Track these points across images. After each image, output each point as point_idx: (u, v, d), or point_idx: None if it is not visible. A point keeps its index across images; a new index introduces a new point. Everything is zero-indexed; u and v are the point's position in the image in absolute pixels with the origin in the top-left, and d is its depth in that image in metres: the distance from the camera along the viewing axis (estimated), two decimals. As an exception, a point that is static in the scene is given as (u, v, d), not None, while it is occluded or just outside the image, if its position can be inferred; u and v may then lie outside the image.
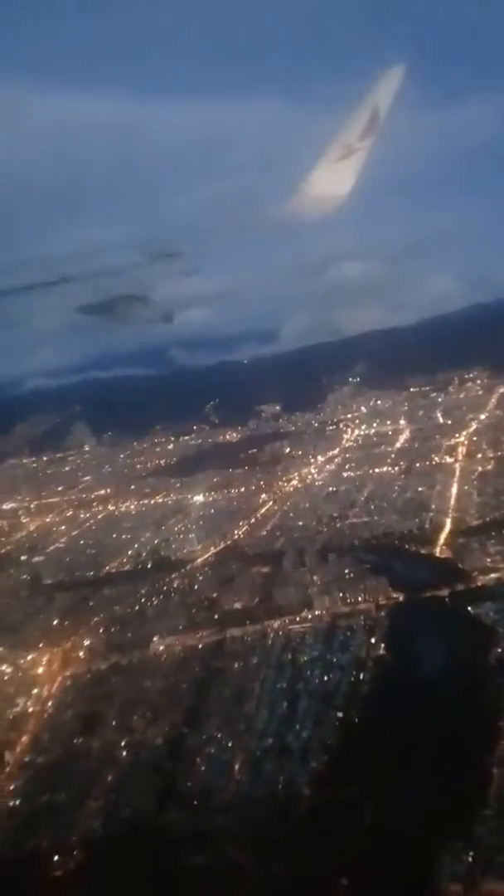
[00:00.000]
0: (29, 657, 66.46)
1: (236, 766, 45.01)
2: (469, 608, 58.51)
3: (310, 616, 64.49)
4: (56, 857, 39.66)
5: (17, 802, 45.49)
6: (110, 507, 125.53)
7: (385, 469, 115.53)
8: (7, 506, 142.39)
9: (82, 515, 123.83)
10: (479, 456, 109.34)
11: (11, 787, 47.10)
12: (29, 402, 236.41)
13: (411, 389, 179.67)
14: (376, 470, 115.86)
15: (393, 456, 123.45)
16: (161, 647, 63.35)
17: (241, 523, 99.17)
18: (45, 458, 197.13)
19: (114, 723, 52.57)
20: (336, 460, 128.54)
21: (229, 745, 47.35)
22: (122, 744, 49.64)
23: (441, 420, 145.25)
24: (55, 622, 74.85)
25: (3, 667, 65.65)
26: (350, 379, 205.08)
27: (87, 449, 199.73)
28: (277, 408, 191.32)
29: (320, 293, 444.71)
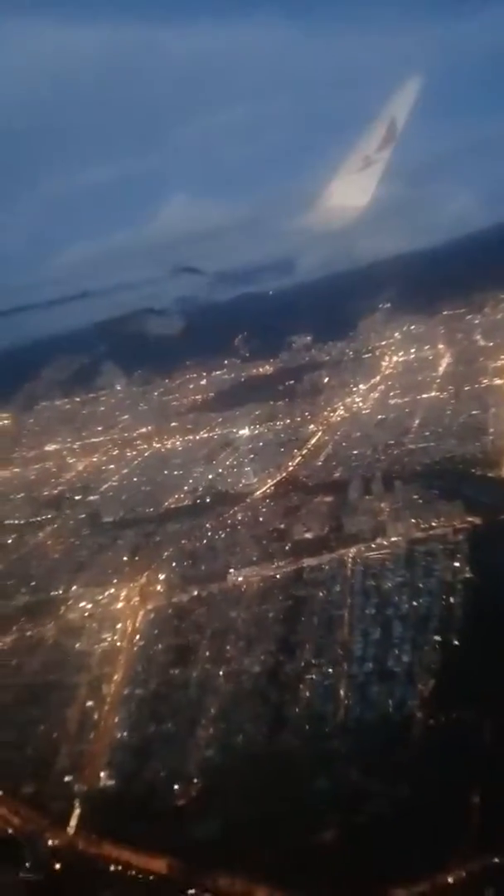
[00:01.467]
0: (106, 593, 66.78)
1: (341, 692, 45.03)
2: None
3: (385, 543, 63.82)
4: (176, 787, 40.04)
5: (125, 734, 45.92)
6: (155, 445, 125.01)
7: (433, 394, 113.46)
8: (50, 447, 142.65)
9: (129, 454, 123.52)
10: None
11: (116, 720, 47.56)
12: (55, 343, 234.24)
13: (445, 313, 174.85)
14: (424, 395, 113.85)
15: (438, 381, 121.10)
16: (240, 579, 63.21)
17: (293, 454, 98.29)
18: (77, 400, 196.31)
19: (207, 653, 52.71)
20: (380, 388, 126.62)
21: (330, 671, 47.36)
22: (220, 673, 49.77)
23: (482, 342, 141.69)
24: (125, 558, 75.10)
25: (82, 603, 66.00)
26: (380, 305, 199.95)
27: (118, 388, 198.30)
28: (308, 338, 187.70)
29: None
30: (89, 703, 49.99)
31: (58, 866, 36.46)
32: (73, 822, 39.31)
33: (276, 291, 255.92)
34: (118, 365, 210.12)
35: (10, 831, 39.96)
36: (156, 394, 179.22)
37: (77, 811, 39.91)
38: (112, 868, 35.92)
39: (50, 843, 37.58)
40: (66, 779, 42.79)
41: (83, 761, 44.21)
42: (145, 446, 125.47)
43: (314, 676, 47.10)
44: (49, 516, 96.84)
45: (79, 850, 37.35)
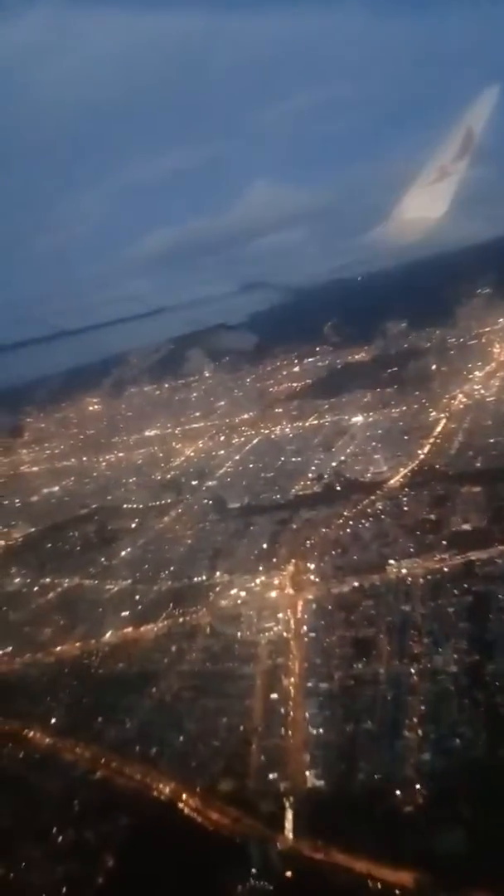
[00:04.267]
0: (256, 581, 64.24)
1: None
2: None
3: None
4: (398, 792, 36.92)
5: (321, 731, 43.02)
6: (263, 431, 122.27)
7: None
8: (151, 433, 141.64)
9: (236, 440, 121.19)
10: None
11: (306, 715, 44.70)
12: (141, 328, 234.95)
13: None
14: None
15: None
16: (403, 571, 59.69)
17: (421, 442, 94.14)
18: (166, 386, 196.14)
19: (389, 648, 49.43)
20: (499, 375, 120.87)
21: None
22: (413, 671, 46.44)
23: None
24: (264, 545, 72.59)
25: (232, 591, 63.63)
26: (479, 290, 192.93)
27: (206, 374, 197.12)
28: (403, 325, 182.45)
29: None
30: (273, 696, 47.02)
31: (288, 874, 33.57)
32: (290, 825, 36.36)
33: (365, 277, 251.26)
34: (204, 352, 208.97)
35: (221, 832, 37.19)
36: (247, 380, 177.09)
37: (291, 813, 36.99)
38: (348, 879, 32.85)
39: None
40: (270, 776, 39.91)
41: (282, 758, 41.42)
42: (252, 432, 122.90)
43: (524, 678, 43.12)
44: (169, 501, 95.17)
45: (305, 857, 34.48)
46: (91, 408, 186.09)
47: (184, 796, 40.15)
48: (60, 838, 38.82)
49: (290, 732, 43.53)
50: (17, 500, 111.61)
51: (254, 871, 33.66)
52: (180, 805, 39.70)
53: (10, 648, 61.68)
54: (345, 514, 75.43)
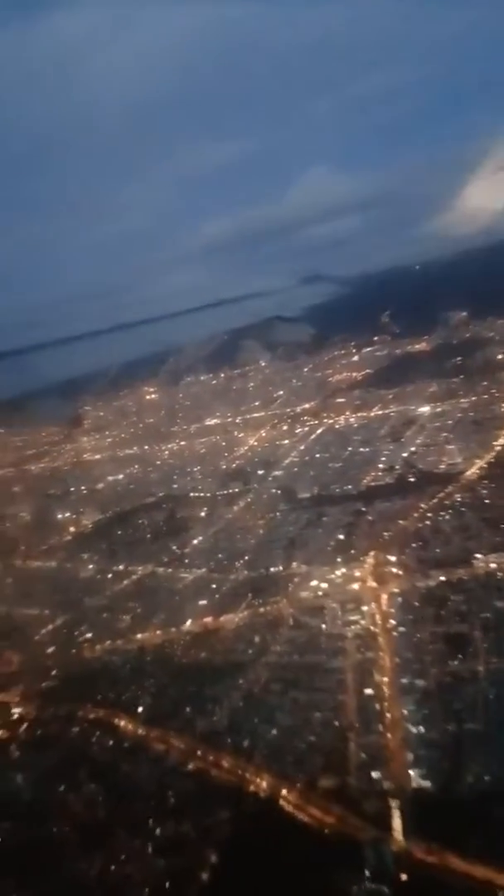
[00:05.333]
0: (336, 573, 62.86)
1: None
2: None
3: None
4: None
5: (422, 729, 41.49)
6: (326, 421, 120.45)
7: None
8: (211, 421, 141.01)
9: (299, 429, 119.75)
10: None
11: (404, 712, 43.19)
12: (198, 320, 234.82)
13: None
14: None
15: None
16: (492, 566, 57.60)
17: (495, 433, 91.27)
18: (222, 375, 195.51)
19: (486, 646, 47.54)
20: None
21: None
22: (516, 670, 44.47)
23: None
24: (340, 536, 71.20)
25: (312, 582, 62.42)
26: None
27: (262, 364, 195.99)
28: (464, 314, 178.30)
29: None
30: (367, 692, 45.63)
31: (403, 877, 32.25)
32: (399, 826, 34.99)
33: (423, 266, 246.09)
34: (259, 342, 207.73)
35: (327, 830, 36.03)
36: (305, 370, 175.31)
37: (398, 814, 35.60)
38: (467, 885, 31.36)
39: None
40: (373, 775, 38.58)
41: (383, 756, 40.07)
42: (315, 422, 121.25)
43: None
44: (236, 490, 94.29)
45: (419, 860, 33.09)
46: (148, 397, 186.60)
47: (283, 792, 39.10)
48: (158, 831, 38.09)
49: (388, 730, 41.98)
50: (83, 488, 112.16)
51: (368, 872, 32.26)
52: (281, 801, 38.53)
53: (89, 635, 61.54)
54: (422, 506, 73.50)
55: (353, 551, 66.83)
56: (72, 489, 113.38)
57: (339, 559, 65.93)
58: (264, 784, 40.26)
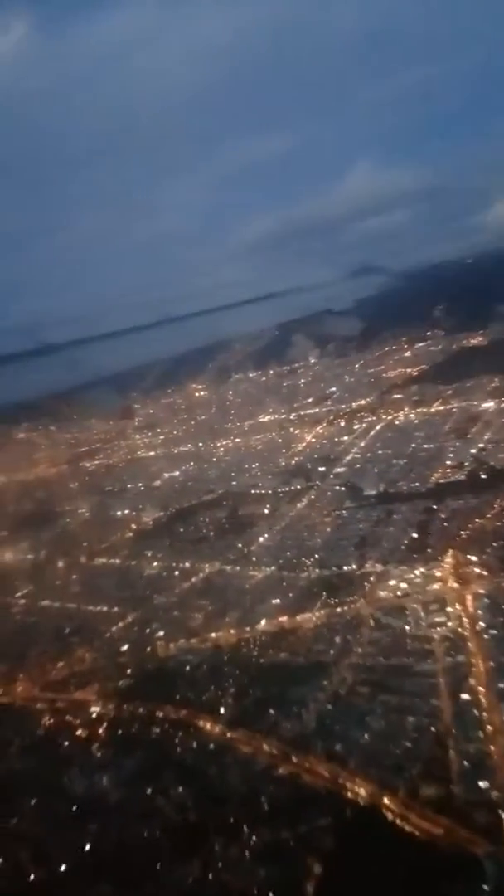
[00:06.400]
0: (414, 573, 60.84)
1: None
2: None
3: None
4: None
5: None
6: (384, 417, 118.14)
7: None
8: (265, 418, 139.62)
9: (357, 426, 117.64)
10: None
11: (507, 719, 40.97)
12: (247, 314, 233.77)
13: None
14: None
15: None
16: None
17: None
18: (271, 372, 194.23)
19: None
20: None
21: None
22: None
23: None
24: (413, 535, 69.15)
25: (390, 581, 60.47)
26: None
27: (312, 361, 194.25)
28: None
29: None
30: (463, 696, 43.58)
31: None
32: (514, 840, 32.93)
33: (475, 259, 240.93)
34: (309, 337, 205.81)
35: (436, 842, 34.16)
36: (357, 366, 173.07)
37: (513, 827, 33.56)
38: None
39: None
40: (481, 784, 36.55)
41: (489, 765, 37.99)
42: (373, 418, 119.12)
43: None
44: (298, 487, 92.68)
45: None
46: (198, 394, 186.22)
47: (385, 800, 37.28)
48: (255, 837, 36.59)
49: (490, 738, 39.89)
50: (141, 484, 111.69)
51: (487, 888, 30.36)
52: (383, 809, 36.77)
53: (162, 633, 60.47)
54: (497, 504, 70.85)
55: (429, 550, 64.87)
56: (129, 486, 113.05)
57: (414, 558, 63.85)
58: (362, 791, 38.54)
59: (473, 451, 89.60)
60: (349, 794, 38.65)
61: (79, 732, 49.49)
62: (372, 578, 62.03)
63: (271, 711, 47.00)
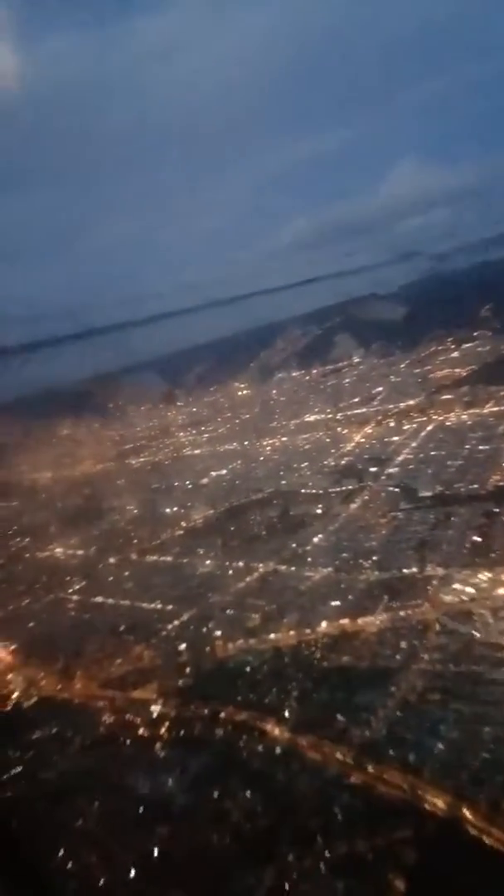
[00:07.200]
0: (479, 577, 59.03)
1: None
2: None
3: None
4: None
5: None
6: (435, 418, 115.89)
7: None
8: (311, 417, 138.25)
9: (407, 426, 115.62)
10: None
11: None
12: (283, 326, 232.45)
13: None
14: None
15: None
16: None
17: None
18: (314, 371, 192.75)
19: None
20: None
21: None
22: None
23: None
24: (475, 538, 67.17)
25: (455, 585, 58.75)
26: None
27: (356, 360, 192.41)
28: None
29: None
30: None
31: None
32: None
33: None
34: (353, 338, 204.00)
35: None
36: (402, 366, 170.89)
37: None
38: None
39: None
40: None
41: None
42: (424, 419, 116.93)
43: None
44: (350, 487, 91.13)
45: None
46: (241, 393, 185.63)
47: (465, 813, 35.72)
48: (329, 848, 35.31)
49: None
50: (188, 483, 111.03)
51: None
52: (464, 822, 35.23)
53: (219, 632, 59.46)
54: None
55: (492, 555, 62.79)
56: (176, 484, 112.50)
57: (478, 562, 61.89)
58: (440, 803, 37.04)
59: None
60: (427, 806, 37.17)
61: (140, 732, 48.63)
62: (435, 582, 60.30)
63: (339, 717, 45.70)
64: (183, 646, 59.10)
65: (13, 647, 62.45)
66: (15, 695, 54.95)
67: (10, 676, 57.63)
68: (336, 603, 60.80)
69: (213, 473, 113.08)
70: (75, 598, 74.31)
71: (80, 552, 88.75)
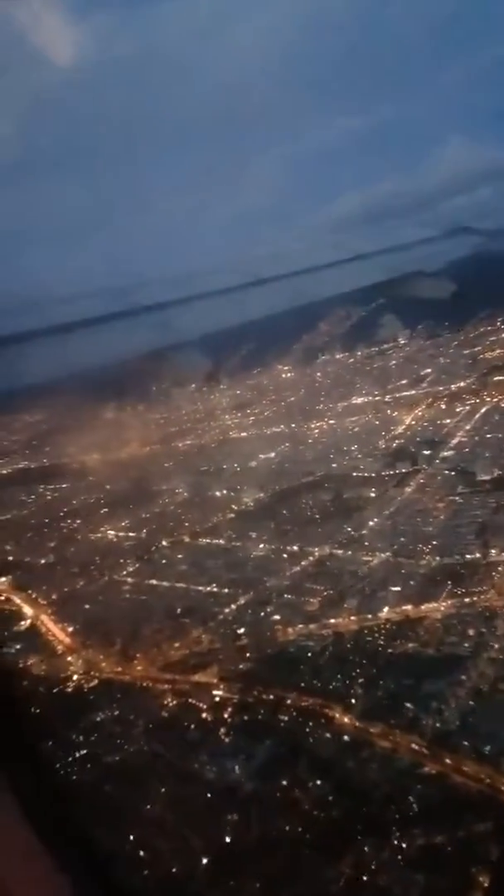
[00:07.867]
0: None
1: None
2: None
3: None
4: None
5: None
6: (489, 400, 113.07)
7: None
8: (358, 400, 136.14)
9: (459, 408, 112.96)
10: None
11: None
12: (327, 305, 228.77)
13: None
14: None
15: None
16: None
17: None
18: (359, 353, 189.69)
19: None
20: None
21: None
22: None
23: None
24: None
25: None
26: None
27: (402, 342, 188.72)
28: None
29: None
30: None
31: None
32: None
33: None
34: (398, 318, 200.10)
35: None
36: (451, 348, 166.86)
37: None
38: None
39: None
40: None
41: None
42: (476, 401, 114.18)
43: None
44: (404, 470, 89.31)
45: None
46: (285, 375, 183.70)
47: (548, 809, 34.33)
48: (407, 841, 34.30)
49: None
50: (236, 465, 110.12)
51: None
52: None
53: (277, 616, 58.62)
54: None
55: None
56: (224, 466, 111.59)
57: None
58: (522, 798, 35.68)
59: None
60: (506, 799, 35.89)
61: (203, 716, 48.11)
62: (500, 568, 58.74)
63: (408, 705, 44.59)
64: (242, 630, 58.42)
65: (71, 628, 62.35)
66: (76, 677, 54.80)
67: (70, 658, 57.57)
68: (397, 588, 59.56)
69: (262, 456, 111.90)
70: (130, 580, 74.12)
71: (132, 534, 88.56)
